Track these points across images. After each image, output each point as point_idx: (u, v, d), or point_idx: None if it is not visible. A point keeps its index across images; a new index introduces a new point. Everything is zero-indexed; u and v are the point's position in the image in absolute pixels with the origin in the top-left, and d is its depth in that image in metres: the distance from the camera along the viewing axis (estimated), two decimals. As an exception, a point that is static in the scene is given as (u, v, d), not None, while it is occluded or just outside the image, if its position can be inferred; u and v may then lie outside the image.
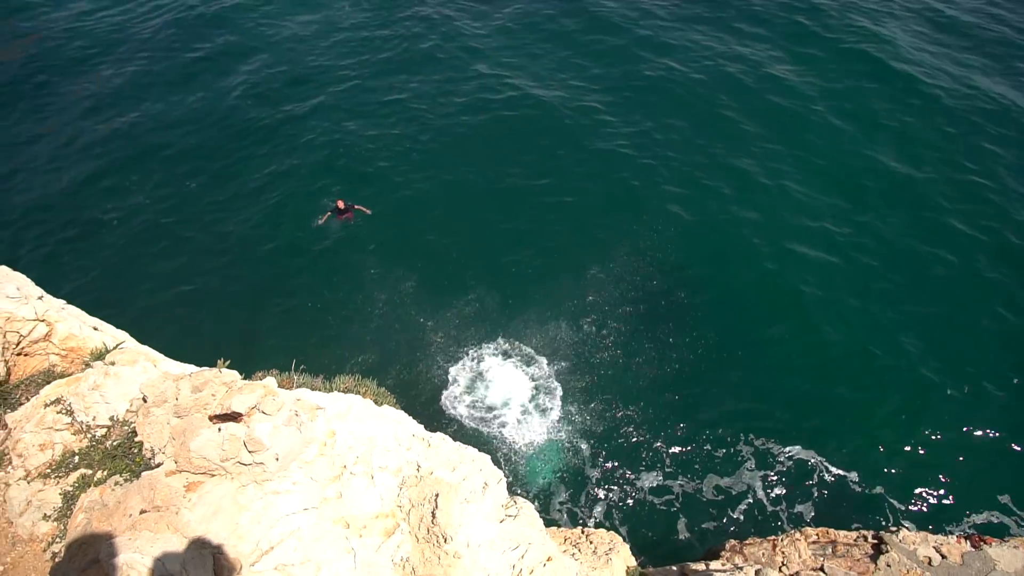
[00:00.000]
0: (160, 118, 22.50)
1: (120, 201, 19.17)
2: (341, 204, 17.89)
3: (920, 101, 22.52)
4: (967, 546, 10.32)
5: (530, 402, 14.42)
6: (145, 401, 5.07)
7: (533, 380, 14.79)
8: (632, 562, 9.19)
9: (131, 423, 5.18)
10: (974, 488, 13.15)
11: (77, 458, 5.06)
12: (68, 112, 22.85)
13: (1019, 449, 13.71)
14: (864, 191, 19.27)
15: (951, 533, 11.45)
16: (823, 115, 22.00)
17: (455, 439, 5.67)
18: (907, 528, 10.82)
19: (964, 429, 14.04)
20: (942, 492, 13.17)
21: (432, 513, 4.61)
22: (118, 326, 7.76)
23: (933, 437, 13.92)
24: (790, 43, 25.49)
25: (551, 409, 14.33)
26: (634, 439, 13.92)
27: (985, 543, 10.41)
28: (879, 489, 13.18)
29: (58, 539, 4.67)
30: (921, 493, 13.17)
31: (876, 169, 20.05)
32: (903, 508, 12.97)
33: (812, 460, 13.61)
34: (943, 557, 10.07)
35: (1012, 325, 15.85)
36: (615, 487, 13.26)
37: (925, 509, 12.95)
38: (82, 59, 25.56)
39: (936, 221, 18.47)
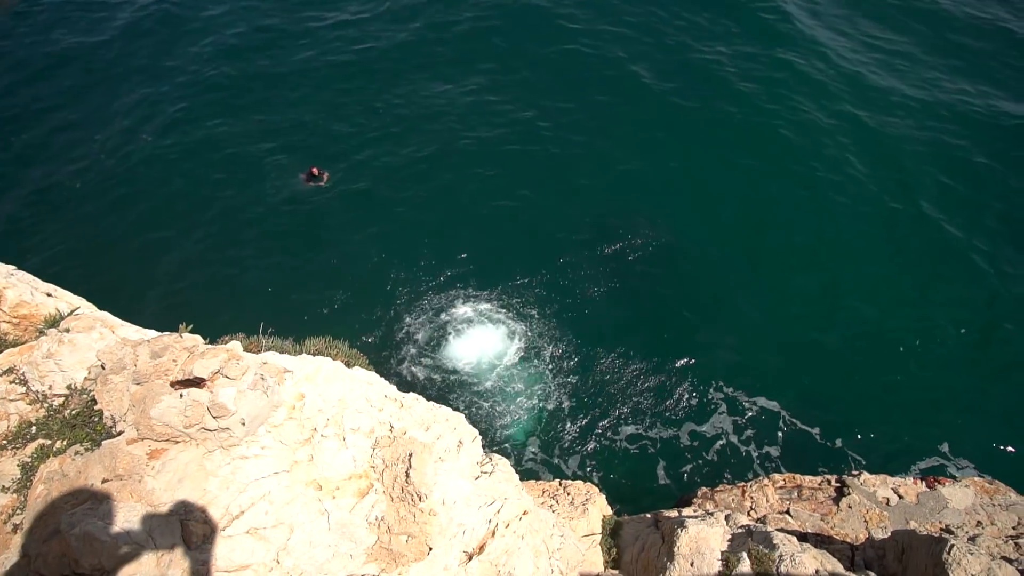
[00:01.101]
0: (122, 72, 21.24)
1: (78, 162, 18.24)
2: (315, 170, 17.56)
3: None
4: (923, 486, 10.87)
5: (506, 359, 14.50)
6: (103, 368, 4.88)
7: (509, 338, 14.83)
8: (608, 511, 9.45)
9: (90, 391, 4.99)
10: (922, 436, 13.82)
11: (34, 428, 4.87)
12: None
13: (967, 399, 14.35)
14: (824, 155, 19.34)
15: (907, 476, 12.08)
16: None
17: (430, 399, 5.63)
18: (867, 473, 11.32)
19: (920, 381, 14.62)
20: (897, 438, 13.79)
21: (406, 473, 4.58)
22: (76, 292, 7.42)
23: (892, 387, 14.48)
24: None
25: (527, 365, 14.44)
26: (610, 392, 14.17)
27: (939, 483, 10.98)
28: (841, 436, 13.74)
29: (18, 511, 4.52)
30: (878, 439, 13.78)
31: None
32: (862, 453, 13.57)
33: (778, 410, 14.05)
34: (900, 497, 10.60)
35: (972, 284, 16.35)
36: (592, 439, 13.56)
37: (882, 454, 13.58)
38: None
39: (902, 179, 18.74)
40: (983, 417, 13.96)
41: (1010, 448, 13.56)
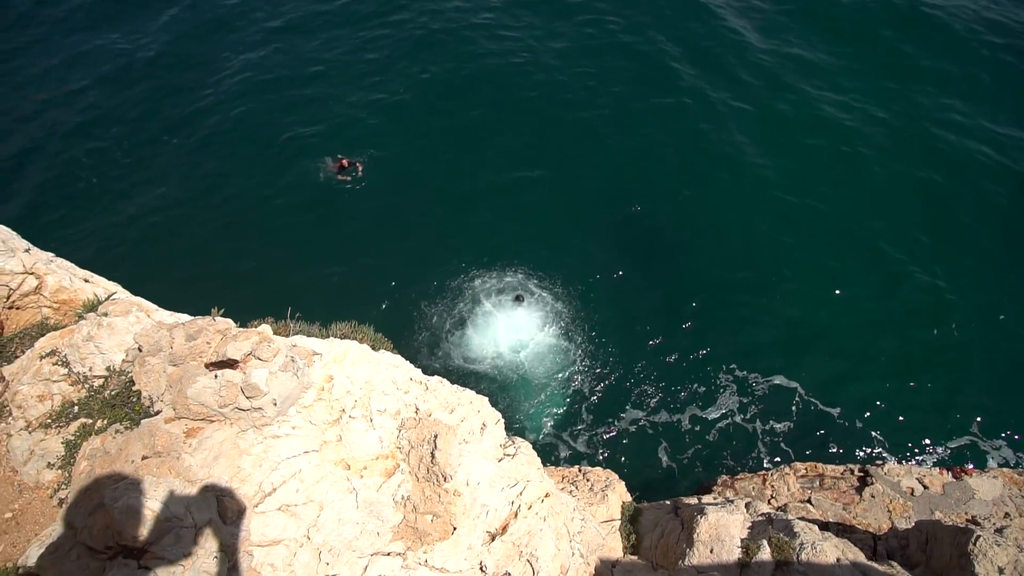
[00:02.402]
0: (144, 76, 21.64)
1: (101, 156, 18.68)
2: (345, 162, 17.78)
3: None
4: (948, 477, 10.72)
5: (530, 345, 14.59)
6: (140, 351, 5.05)
7: (532, 325, 14.92)
8: (627, 497, 9.51)
9: (128, 372, 5.19)
10: (950, 418, 13.60)
11: (76, 408, 5.08)
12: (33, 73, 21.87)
13: (994, 380, 14.07)
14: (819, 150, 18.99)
15: (925, 463, 11.93)
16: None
17: (454, 382, 5.73)
18: (892, 461, 11.19)
19: (943, 363, 14.37)
20: (922, 422, 13.59)
21: (431, 453, 4.69)
22: (110, 279, 7.67)
23: (913, 370, 14.26)
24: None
25: (550, 351, 14.53)
26: (631, 379, 14.18)
27: (966, 474, 10.82)
28: (862, 421, 13.59)
29: (63, 486, 4.75)
30: (902, 422, 13.59)
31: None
32: (886, 437, 13.41)
33: (799, 395, 13.93)
34: (925, 488, 10.47)
35: (995, 260, 15.98)
36: (612, 427, 13.61)
37: (906, 439, 13.41)
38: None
39: (938, 149, 18.29)
40: (1016, 398, 13.71)
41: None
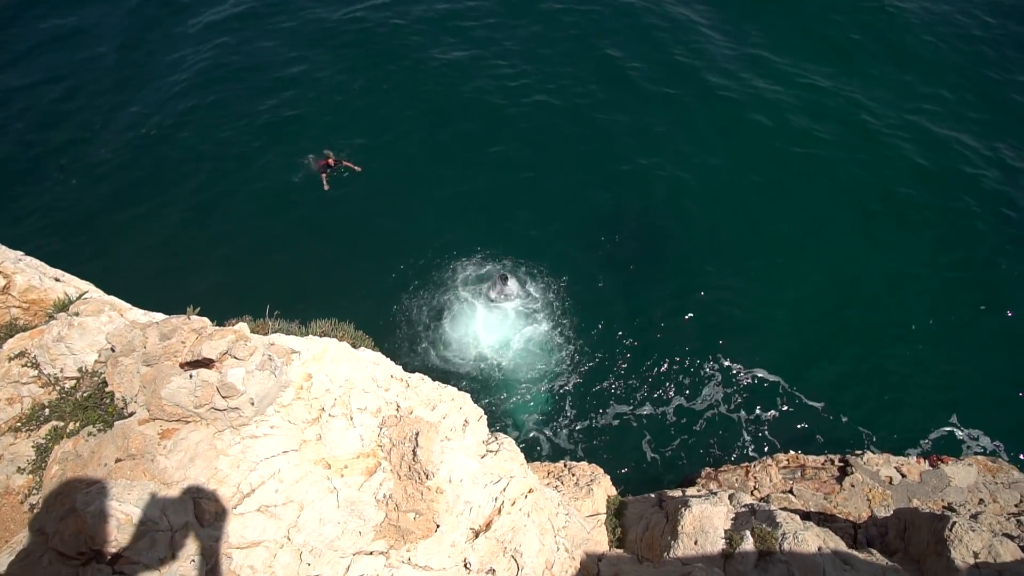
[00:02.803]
0: (126, 70, 21.18)
1: (79, 150, 18.26)
2: (332, 160, 17.06)
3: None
4: (925, 465, 10.94)
5: (512, 341, 14.57)
6: (113, 351, 4.93)
7: (507, 320, 14.89)
8: (613, 491, 9.54)
9: (100, 373, 5.06)
10: (930, 408, 13.86)
11: (47, 411, 4.95)
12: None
13: (971, 370, 14.37)
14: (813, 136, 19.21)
15: (909, 455, 12.15)
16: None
17: (436, 378, 5.68)
18: (871, 451, 11.38)
19: (922, 355, 14.62)
20: (902, 412, 13.83)
21: (413, 451, 4.64)
22: (83, 277, 7.48)
23: (892, 362, 14.51)
24: None
25: (532, 346, 14.51)
26: (613, 373, 14.24)
27: (942, 462, 11.04)
28: (845, 412, 13.80)
29: (34, 491, 4.62)
30: (882, 413, 13.82)
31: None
32: (866, 429, 13.64)
33: (782, 387, 14.10)
34: (903, 476, 10.67)
35: (970, 256, 16.30)
36: (595, 420, 13.65)
37: (887, 429, 13.64)
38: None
39: (909, 151, 18.57)
40: (994, 388, 14.02)
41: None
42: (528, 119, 19.09)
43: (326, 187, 17.12)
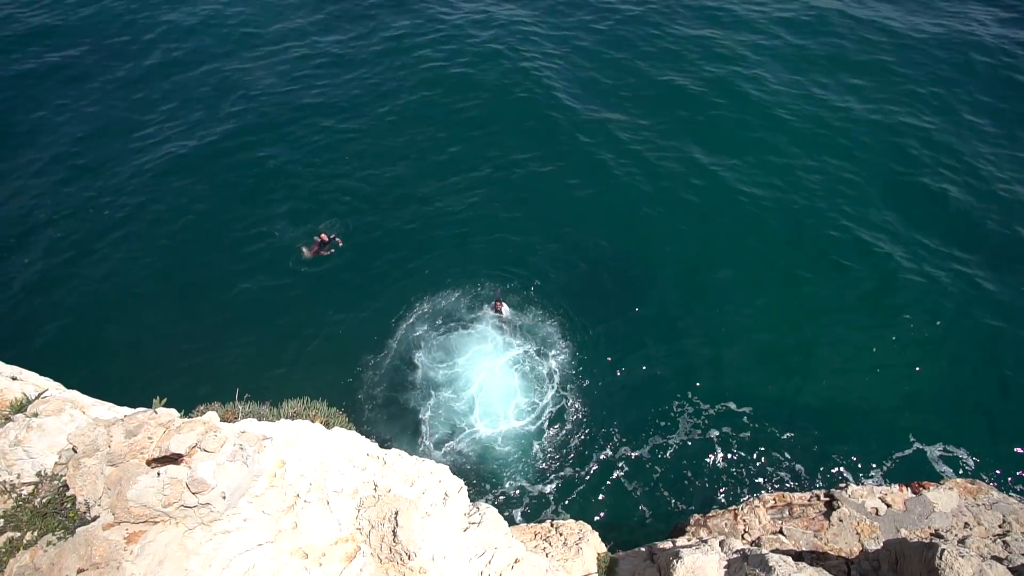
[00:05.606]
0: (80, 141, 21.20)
1: (34, 234, 17.96)
2: (324, 236, 17.12)
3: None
4: (908, 493, 11.02)
5: (484, 407, 14.48)
6: (75, 452, 4.75)
7: (483, 386, 14.89)
8: (602, 548, 9.34)
9: (61, 476, 4.85)
10: (902, 432, 14.09)
11: (2, 521, 4.69)
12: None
13: (942, 390, 14.72)
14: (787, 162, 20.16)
15: (885, 481, 12.25)
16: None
17: (411, 452, 5.60)
18: (853, 484, 11.44)
19: (896, 381, 14.96)
20: (878, 437, 14.02)
21: (393, 532, 4.53)
22: (45, 373, 7.25)
23: (867, 388, 14.79)
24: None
25: (505, 407, 14.45)
26: (593, 425, 14.16)
27: (923, 488, 11.14)
28: (825, 443, 13.91)
29: (-12, 612, 4.32)
30: (862, 441, 13.98)
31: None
32: (847, 456, 13.73)
33: (763, 425, 14.18)
34: (888, 506, 10.71)
35: (939, 276, 16.95)
36: (577, 472, 13.47)
37: (866, 454, 13.77)
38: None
39: (872, 182, 19.52)
40: (958, 408, 14.35)
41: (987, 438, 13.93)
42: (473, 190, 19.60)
43: (330, 251, 17.23)
